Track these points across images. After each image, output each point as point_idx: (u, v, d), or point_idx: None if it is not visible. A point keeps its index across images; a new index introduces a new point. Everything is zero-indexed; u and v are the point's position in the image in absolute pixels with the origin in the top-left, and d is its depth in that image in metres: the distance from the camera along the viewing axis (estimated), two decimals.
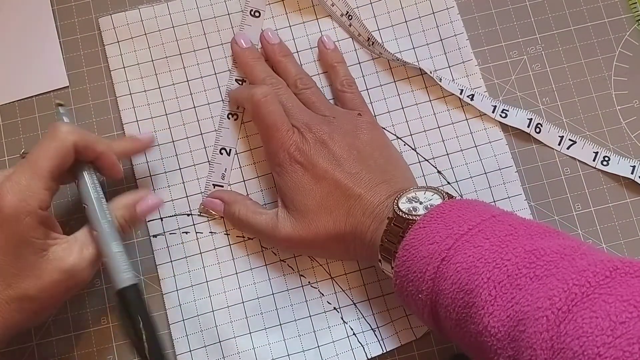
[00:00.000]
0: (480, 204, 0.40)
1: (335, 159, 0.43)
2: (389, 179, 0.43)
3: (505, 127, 0.49)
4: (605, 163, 0.48)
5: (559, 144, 0.48)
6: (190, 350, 0.45)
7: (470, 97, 0.48)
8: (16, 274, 0.38)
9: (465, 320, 0.35)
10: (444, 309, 0.36)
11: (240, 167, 0.49)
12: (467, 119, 0.49)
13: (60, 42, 0.51)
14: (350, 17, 0.49)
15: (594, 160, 0.48)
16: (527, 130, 0.48)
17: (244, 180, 0.49)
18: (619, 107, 0.49)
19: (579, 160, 0.48)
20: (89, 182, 0.42)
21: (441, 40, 0.50)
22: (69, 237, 0.41)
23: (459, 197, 0.45)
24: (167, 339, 0.46)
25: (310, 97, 0.47)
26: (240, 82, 0.49)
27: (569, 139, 0.48)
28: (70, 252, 0.40)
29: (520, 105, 0.49)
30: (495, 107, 0.48)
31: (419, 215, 0.39)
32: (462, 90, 0.48)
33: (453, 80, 0.49)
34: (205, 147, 0.49)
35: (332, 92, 0.49)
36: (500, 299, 0.33)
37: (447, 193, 0.41)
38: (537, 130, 0.48)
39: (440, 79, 0.48)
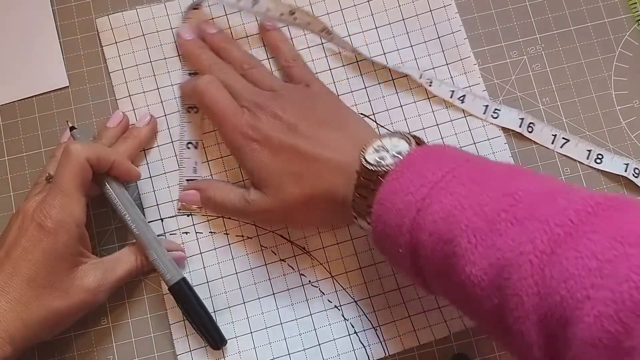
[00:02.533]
0: (453, 149, 0.38)
1: (289, 127, 0.43)
2: (349, 135, 0.43)
3: (504, 128, 0.49)
4: (598, 161, 0.48)
5: (552, 143, 0.48)
6: (190, 351, 0.45)
7: (461, 98, 0.48)
8: (47, 287, 0.40)
9: (447, 271, 0.34)
10: (425, 261, 0.35)
11: (208, 161, 0.49)
12: (465, 116, 0.49)
13: (60, 42, 0.51)
14: (329, 33, 0.49)
15: (587, 159, 0.48)
16: (519, 130, 0.48)
17: (217, 172, 0.49)
18: (619, 107, 0.49)
19: (572, 159, 0.48)
20: (115, 190, 0.45)
21: (439, 37, 0.50)
22: (97, 259, 0.44)
23: (430, 143, 0.44)
24: (165, 339, 0.46)
25: (256, 76, 0.47)
26: (192, 76, 0.49)
27: (563, 138, 0.48)
28: (96, 273, 0.43)
29: (521, 105, 0.49)
30: (486, 107, 0.48)
31: (387, 165, 0.38)
32: (452, 92, 0.48)
33: (451, 77, 0.49)
34: None
35: (279, 69, 0.49)
36: (480, 246, 0.32)
37: (413, 136, 0.40)
38: (530, 129, 0.48)
39: (431, 83, 0.48)
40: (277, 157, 0.42)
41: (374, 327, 0.46)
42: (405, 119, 0.49)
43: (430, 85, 0.48)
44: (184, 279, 0.44)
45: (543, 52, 0.50)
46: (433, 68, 0.49)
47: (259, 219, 0.47)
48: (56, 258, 0.40)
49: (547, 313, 0.29)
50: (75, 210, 0.41)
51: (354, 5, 0.50)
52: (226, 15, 0.50)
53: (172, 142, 0.49)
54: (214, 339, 0.45)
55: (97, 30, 0.50)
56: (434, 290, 0.38)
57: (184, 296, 0.44)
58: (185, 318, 0.45)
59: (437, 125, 0.49)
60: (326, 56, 0.50)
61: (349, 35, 0.50)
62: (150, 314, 0.47)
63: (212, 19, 0.50)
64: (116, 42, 0.50)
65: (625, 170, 0.47)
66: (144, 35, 0.50)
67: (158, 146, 0.49)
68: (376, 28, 0.50)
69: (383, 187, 0.37)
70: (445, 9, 0.50)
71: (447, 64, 0.50)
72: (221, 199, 0.46)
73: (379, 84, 0.49)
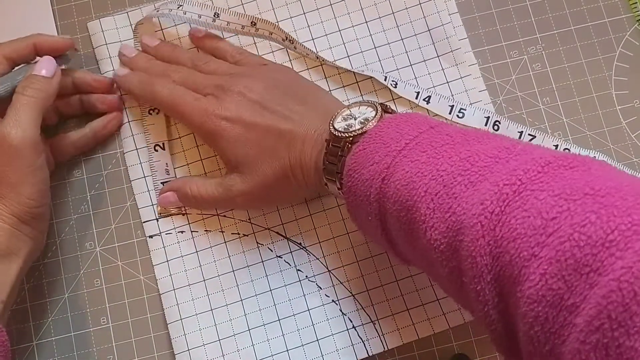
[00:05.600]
0: (419, 117, 0.39)
1: (257, 103, 0.43)
2: (317, 106, 0.43)
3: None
4: None
5: (520, 139, 0.47)
6: (188, 350, 0.45)
7: (427, 99, 0.48)
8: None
9: (412, 237, 0.34)
10: (393, 228, 0.36)
11: (186, 161, 0.49)
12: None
13: None
14: (292, 42, 0.49)
15: None
16: (485, 128, 0.48)
17: (192, 162, 0.49)
18: (619, 107, 0.49)
19: None
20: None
21: (429, 30, 0.49)
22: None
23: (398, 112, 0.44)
24: (165, 339, 0.46)
25: (212, 66, 0.47)
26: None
27: (529, 134, 0.47)
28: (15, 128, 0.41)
29: (521, 105, 0.49)
30: (452, 107, 0.48)
31: (355, 131, 0.38)
32: (418, 92, 0.48)
33: (442, 69, 0.49)
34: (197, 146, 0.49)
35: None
36: (438, 210, 0.32)
37: (381, 104, 0.40)
38: (496, 127, 0.48)
39: (396, 84, 0.48)
40: (250, 133, 0.43)
41: (372, 321, 0.46)
42: None
43: (395, 87, 0.48)
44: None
45: (543, 52, 0.50)
46: (425, 61, 0.49)
47: (240, 203, 0.46)
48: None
49: (500, 272, 0.29)
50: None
51: None
52: (175, 25, 0.50)
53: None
54: None
55: (89, 33, 0.51)
56: (405, 257, 0.39)
57: None
58: None
59: None
60: (290, 60, 0.50)
61: (326, 35, 0.50)
62: (150, 314, 0.47)
63: (162, 29, 0.50)
64: (106, 44, 0.50)
65: None
66: (134, 38, 0.50)
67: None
68: (366, 22, 0.50)
69: (350, 157, 0.38)
70: (434, 1, 0.50)
71: (437, 56, 0.49)
72: (198, 192, 0.46)
73: (343, 87, 0.49)
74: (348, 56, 0.50)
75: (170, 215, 0.48)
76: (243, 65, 0.47)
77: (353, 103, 0.41)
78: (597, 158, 0.46)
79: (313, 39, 0.50)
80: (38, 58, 0.45)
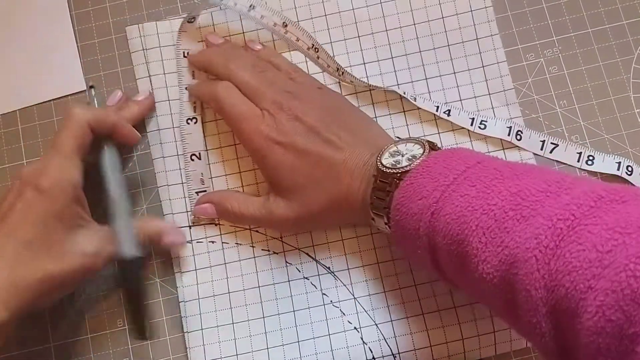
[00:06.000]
0: (465, 151, 0.39)
1: (312, 131, 0.43)
2: (367, 138, 0.43)
3: (521, 150, 0.48)
4: (590, 162, 0.47)
5: (542, 149, 0.47)
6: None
7: (447, 112, 0.48)
8: (43, 249, 0.40)
9: (463, 269, 0.35)
10: (443, 261, 0.37)
11: (223, 170, 0.49)
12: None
13: (77, 46, 0.51)
14: (316, 50, 0.49)
15: (578, 161, 0.47)
16: (507, 138, 0.47)
17: (226, 179, 0.49)
18: (637, 110, 0.49)
19: (562, 163, 0.47)
20: (108, 156, 0.45)
21: (483, 67, 0.50)
22: (97, 226, 0.43)
23: (445, 147, 0.44)
24: (181, 342, 0.46)
25: (270, 78, 0.46)
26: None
27: (551, 143, 0.47)
28: (94, 239, 0.42)
29: (537, 108, 0.49)
30: (473, 119, 0.48)
31: (402, 167, 0.39)
32: (437, 107, 0.48)
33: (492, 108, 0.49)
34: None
35: None
36: (490, 244, 0.33)
37: (428, 141, 0.41)
38: (518, 137, 0.47)
39: (415, 99, 0.48)
40: (301, 160, 0.43)
41: (392, 354, 0.45)
42: None
43: (414, 101, 0.48)
44: (138, 258, 0.43)
45: (560, 55, 0.50)
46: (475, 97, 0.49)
47: (282, 227, 0.46)
48: (52, 219, 0.40)
49: (555, 305, 0.30)
50: (72, 172, 0.41)
51: (383, 16, 0.50)
52: (227, 22, 0.50)
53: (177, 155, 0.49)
54: (141, 330, 0.43)
55: (117, 34, 0.51)
56: (457, 285, 0.39)
57: (130, 275, 0.43)
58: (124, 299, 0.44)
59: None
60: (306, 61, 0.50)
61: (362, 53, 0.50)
62: (165, 317, 0.47)
63: (213, 26, 0.50)
64: (145, 50, 0.50)
65: (618, 169, 0.47)
66: (175, 45, 0.50)
67: (177, 155, 0.48)
68: (420, 52, 0.50)
69: (398, 191, 0.38)
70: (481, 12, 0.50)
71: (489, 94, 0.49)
72: (239, 211, 0.46)
73: (375, 118, 0.49)
74: (399, 85, 0.50)
75: (204, 222, 0.47)
76: (298, 83, 0.47)
77: (400, 140, 0.42)
78: (622, 163, 0.46)
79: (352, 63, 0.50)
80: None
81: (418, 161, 0.39)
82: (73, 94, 0.50)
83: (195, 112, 0.49)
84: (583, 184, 0.33)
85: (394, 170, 0.39)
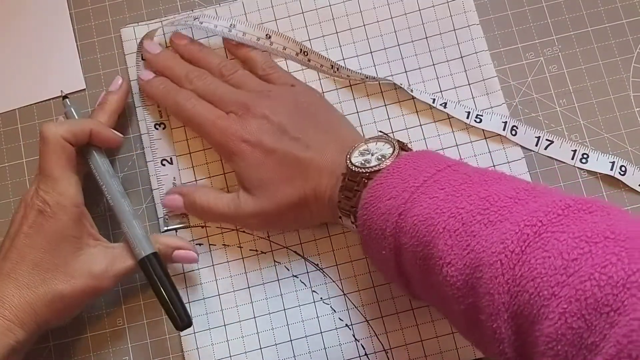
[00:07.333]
0: (436, 155, 0.39)
1: (279, 129, 0.43)
2: (337, 137, 0.44)
3: (523, 148, 0.48)
4: (584, 160, 0.47)
5: (536, 145, 0.47)
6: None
7: (444, 104, 0.48)
8: (52, 270, 0.41)
9: (427, 272, 0.35)
10: (407, 263, 0.36)
11: (191, 167, 0.49)
12: (485, 138, 0.48)
13: (77, 45, 0.51)
14: (306, 54, 0.49)
15: (572, 159, 0.47)
16: (502, 133, 0.47)
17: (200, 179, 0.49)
18: (637, 109, 0.49)
19: (557, 160, 0.48)
20: (99, 163, 0.45)
21: (462, 58, 0.49)
22: (108, 244, 0.44)
23: (415, 149, 0.44)
24: (180, 341, 0.46)
25: (240, 79, 0.46)
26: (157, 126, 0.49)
27: (546, 139, 0.47)
28: (104, 258, 0.42)
29: (537, 107, 0.49)
30: (469, 113, 0.48)
31: (371, 167, 0.39)
32: (434, 99, 0.48)
33: (473, 98, 0.49)
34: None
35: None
36: (456, 247, 0.33)
37: (397, 140, 0.41)
38: (513, 132, 0.47)
39: (412, 90, 0.48)
40: (268, 158, 0.43)
41: (384, 350, 0.45)
42: (424, 139, 0.48)
43: (411, 92, 0.48)
44: (154, 253, 0.43)
45: (560, 54, 0.50)
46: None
47: (249, 224, 0.46)
48: (59, 241, 0.41)
49: (517, 310, 0.30)
50: (69, 191, 0.42)
51: (360, 12, 0.50)
52: (207, 37, 0.50)
53: (189, 153, 0.49)
54: (181, 317, 0.42)
55: (116, 34, 0.51)
56: (415, 292, 0.39)
57: (153, 271, 0.43)
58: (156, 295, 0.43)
59: (457, 146, 0.48)
60: (303, 69, 0.49)
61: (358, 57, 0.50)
62: (164, 316, 0.47)
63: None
64: (138, 52, 0.50)
65: (612, 169, 0.47)
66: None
67: (176, 156, 0.49)
68: (399, 45, 0.50)
69: (367, 191, 0.38)
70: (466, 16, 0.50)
71: (469, 84, 0.49)
72: (207, 204, 0.45)
73: (353, 99, 0.49)
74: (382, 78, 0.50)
75: (176, 227, 0.47)
76: (272, 81, 0.47)
77: (370, 138, 0.42)
78: (615, 162, 0.46)
79: (344, 59, 0.50)
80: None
81: (387, 161, 0.39)
82: (72, 92, 0.50)
83: (161, 117, 0.49)
84: (552, 193, 0.33)
85: (363, 170, 0.39)
